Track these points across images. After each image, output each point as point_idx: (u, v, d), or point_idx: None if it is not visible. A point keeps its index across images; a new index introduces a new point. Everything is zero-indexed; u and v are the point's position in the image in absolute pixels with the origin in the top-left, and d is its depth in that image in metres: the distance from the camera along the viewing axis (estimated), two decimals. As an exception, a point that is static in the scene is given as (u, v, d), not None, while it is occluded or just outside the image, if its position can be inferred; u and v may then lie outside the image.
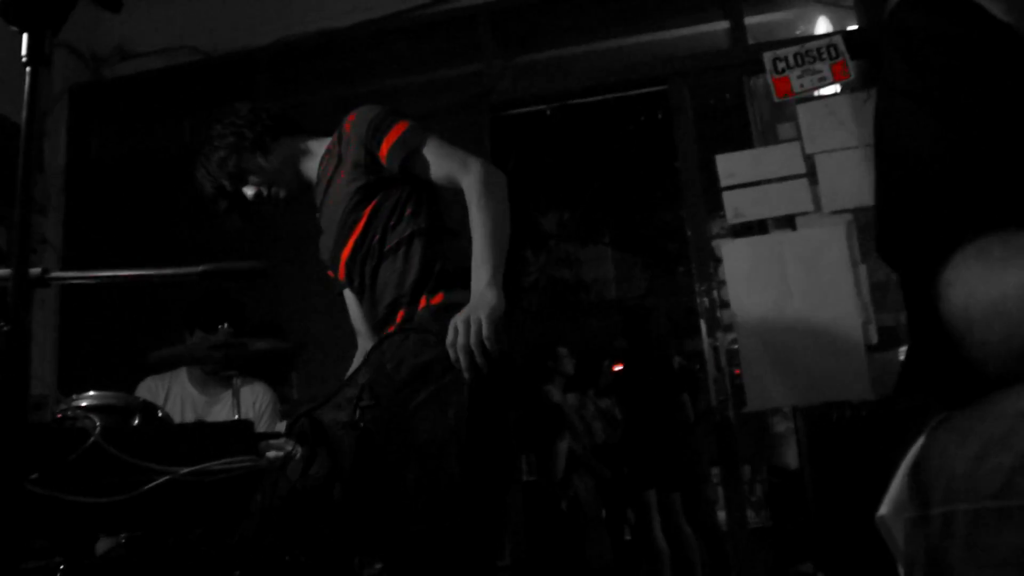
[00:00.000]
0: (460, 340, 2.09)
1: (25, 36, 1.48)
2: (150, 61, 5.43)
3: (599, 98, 5.13)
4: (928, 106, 0.97)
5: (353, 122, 2.59)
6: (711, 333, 4.57)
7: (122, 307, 4.94)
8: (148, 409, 2.55)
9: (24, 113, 1.48)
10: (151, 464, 2.08)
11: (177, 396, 4.08)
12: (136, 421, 2.49)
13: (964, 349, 0.87)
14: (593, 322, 10.68)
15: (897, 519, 0.92)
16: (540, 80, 5.14)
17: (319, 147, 2.77)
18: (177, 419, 3.88)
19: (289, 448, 2.45)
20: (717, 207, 4.64)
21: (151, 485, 2.06)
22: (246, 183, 2.74)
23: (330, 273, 2.80)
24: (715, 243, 4.66)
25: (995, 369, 0.84)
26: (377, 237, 2.52)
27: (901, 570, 0.94)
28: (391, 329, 2.46)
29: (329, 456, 2.28)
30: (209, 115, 2.84)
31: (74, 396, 2.57)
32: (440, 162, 2.46)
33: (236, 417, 3.29)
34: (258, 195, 2.74)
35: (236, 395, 3.36)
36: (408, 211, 2.53)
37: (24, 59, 1.46)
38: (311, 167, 2.77)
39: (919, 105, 0.98)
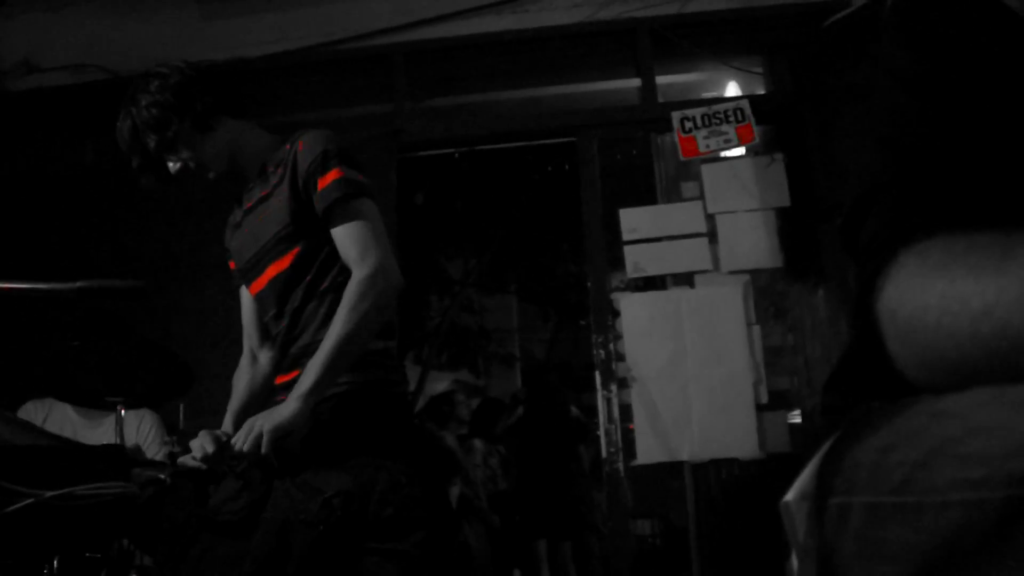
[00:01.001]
0: (237, 445, 2.12)
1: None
2: (57, 76, 5.29)
3: (507, 145, 5.18)
4: (916, 91, 0.95)
5: (305, 145, 2.42)
6: (605, 385, 4.60)
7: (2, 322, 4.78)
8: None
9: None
10: (15, 486, 2.00)
11: (56, 420, 3.95)
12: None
13: (886, 352, 0.85)
14: (494, 369, 10.71)
15: (800, 507, 0.89)
16: (450, 123, 5.17)
17: (262, 143, 2.58)
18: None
19: (163, 476, 2.37)
20: (618, 261, 4.69)
21: (13, 508, 1.98)
22: (175, 154, 2.48)
23: (232, 265, 2.67)
24: (614, 296, 4.70)
25: (912, 379, 0.83)
26: (309, 277, 2.40)
27: (795, 560, 0.93)
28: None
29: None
30: (113, 136, 2.64)
31: None
32: (347, 236, 2.33)
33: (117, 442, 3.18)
34: (183, 170, 2.51)
35: (119, 422, 3.25)
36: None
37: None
38: (251, 163, 2.57)
39: (907, 90, 0.96)
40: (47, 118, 5.34)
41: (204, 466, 2.25)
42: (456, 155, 5.34)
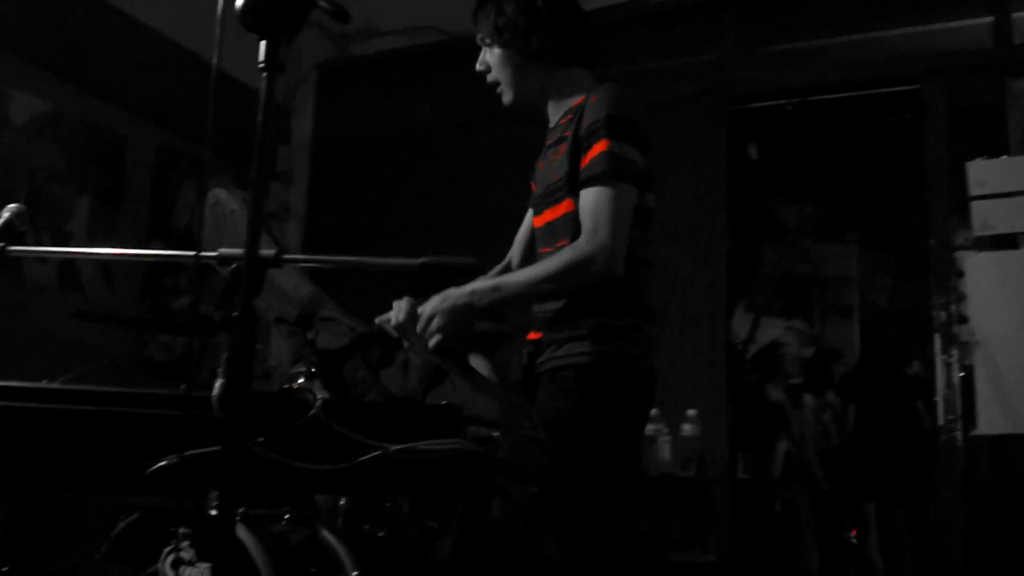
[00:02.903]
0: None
1: (263, 44, 1.58)
2: (395, 40, 5.60)
3: (844, 95, 4.93)
4: None
5: (597, 101, 2.41)
6: (945, 349, 4.33)
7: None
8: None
9: (259, 116, 1.57)
10: (364, 438, 2.18)
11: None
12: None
13: None
14: (829, 319, 10.32)
15: None
16: (783, 72, 4.97)
17: (576, 90, 2.56)
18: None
19: (495, 435, 2.51)
20: (964, 217, 4.37)
21: (363, 459, 2.16)
22: (494, 58, 2.61)
23: (533, 186, 2.73)
24: (958, 255, 4.40)
25: None
26: (572, 234, 2.40)
27: None
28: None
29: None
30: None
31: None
32: (589, 208, 2.33)
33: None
34: (484, 72, 2.64)
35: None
36: None
37: (260, 65, 1.57)
38: (552, 111, 2.62)
39: None
40: (387, 80, 5.68)
41: (395, 333, 2.39)
42: (788, 107, 5.13)
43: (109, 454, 2.04)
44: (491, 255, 4.82)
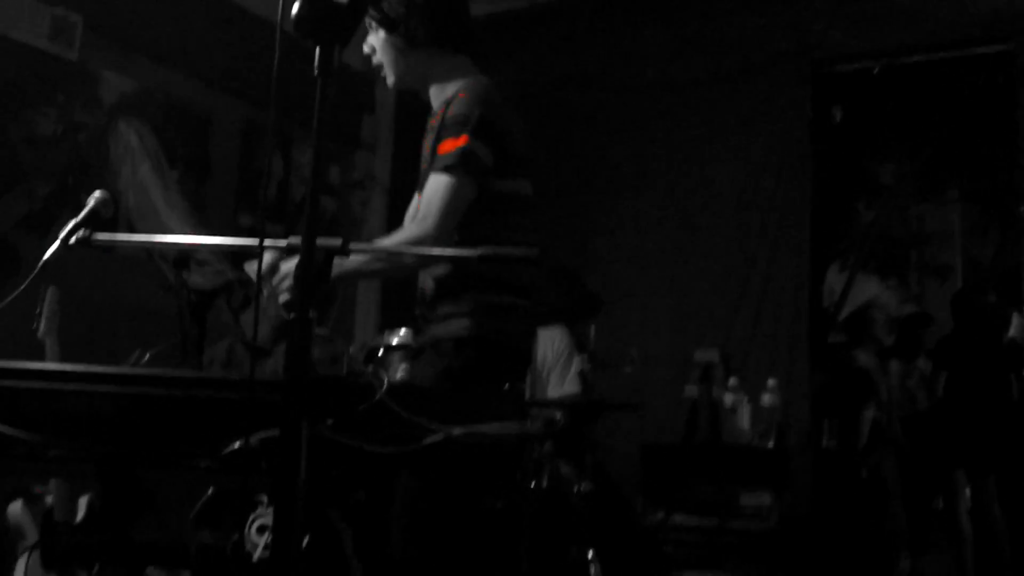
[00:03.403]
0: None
1: (317, 50, 1.63)
2: (477, 7, 5.52)
3: (933, 56, 4.78)
4: None
5: (464, 98, 2.57)
6: (1036, 317, 4.21)
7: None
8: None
9: (314, 123, 1.62)
10: (427, 422, 2.24)
11: None
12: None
13: None
14: (927, 280, 10.05)
15: None
16: (869, 31, 4.82)
17: (453, 83, 2.68)
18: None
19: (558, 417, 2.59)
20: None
21: (427, 442, 2.22)
22: (378, 42, 2.69)
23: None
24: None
25: None
26: None
27: None
28: None
29: None
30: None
31: (386, 332, 2.84)
32: (427, 197, 2.52)
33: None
34: (367, 59, 2.73)
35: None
36: None
37: (316, 72, 1.61)
38: (435, 96, 2.73)
39: None
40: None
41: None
42: (875, 70, 4.99)
43: (181, 436, 2.14)
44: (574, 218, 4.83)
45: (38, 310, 3.19)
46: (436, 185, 2.51)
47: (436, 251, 2.30)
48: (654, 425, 4.44)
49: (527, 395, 3.09)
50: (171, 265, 2.78)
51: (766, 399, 4.18)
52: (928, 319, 7.46)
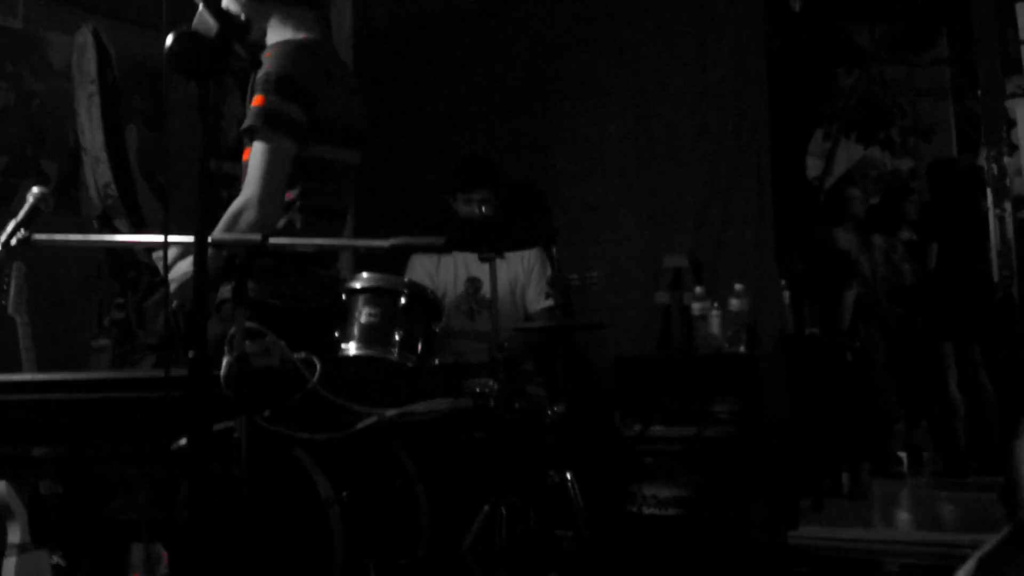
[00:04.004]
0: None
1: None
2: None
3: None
4: None
5: (269, 56, 2.65)
6: (998, 203, 4.23)
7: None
8: (415, 290, 2.77)
9: (199, 158, 1.67)
10: (359, 407, 2.31)
11: (449, 260, 4.26)
12: (403, 302, 2.74)
13: None
14: (911, 144, 9.99)
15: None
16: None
17: (276, 38, 2.78)
18: (451, 283, 4.13)
19: (492, 384, 2.64)
20: (1015, 63, 4.20)
21: (360, 426, 2.29)
22: None
23: None
24: (1009, 103, 4.25)
25: None
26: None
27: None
28: None
29: None
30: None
31: (349, 279, 2.89)
32: (250, 160, 2.59)
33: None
34: None
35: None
36: None
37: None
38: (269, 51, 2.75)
39: None
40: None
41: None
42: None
43: (132, 434, 2.22)
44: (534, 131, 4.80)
45: (4, 286, 3.25)
46: (252, 153, 2.59)
47: (347, 243, 2.34)
48: (628, 336, 4.49)
49: (491, 325, 3.10)
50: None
51: (734, 304, 4.21)
52: (908, 191, 7.45)
